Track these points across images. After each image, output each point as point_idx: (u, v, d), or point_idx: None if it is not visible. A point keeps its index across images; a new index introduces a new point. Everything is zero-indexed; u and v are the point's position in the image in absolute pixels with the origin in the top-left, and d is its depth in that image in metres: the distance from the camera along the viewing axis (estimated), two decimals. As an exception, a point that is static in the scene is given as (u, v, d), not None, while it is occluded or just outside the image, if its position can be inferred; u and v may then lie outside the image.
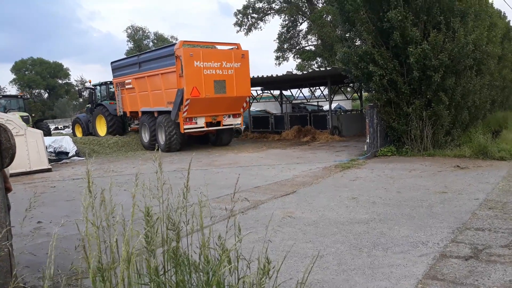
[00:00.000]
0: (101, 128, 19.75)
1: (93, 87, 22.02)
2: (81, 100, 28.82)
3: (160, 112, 15.77)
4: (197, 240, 2.54)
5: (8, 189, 3.49)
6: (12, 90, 62.02)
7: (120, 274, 1.87)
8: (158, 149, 2.90)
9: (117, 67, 18.61)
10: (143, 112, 16.91)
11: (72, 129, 22.87)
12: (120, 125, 19.16)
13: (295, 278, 3.87)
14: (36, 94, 61.12)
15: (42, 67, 61.16)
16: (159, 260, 2.28)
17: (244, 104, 16.25)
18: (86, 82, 27.46)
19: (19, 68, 60.89)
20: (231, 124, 16.15)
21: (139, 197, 2.46)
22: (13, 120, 11.56)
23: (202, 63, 14.45)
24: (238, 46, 15.96)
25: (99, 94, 21.34)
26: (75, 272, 4.15)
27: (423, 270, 3.95)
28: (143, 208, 2.39)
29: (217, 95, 14.82)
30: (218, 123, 15.69)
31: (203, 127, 15.34)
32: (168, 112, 15.14)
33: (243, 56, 15.63)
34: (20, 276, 3.95)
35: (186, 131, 14.98)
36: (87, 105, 22.56)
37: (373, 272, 3.96)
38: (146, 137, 16.61)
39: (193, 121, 14.99)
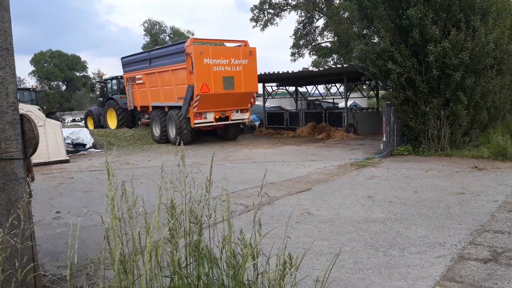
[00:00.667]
0: (112, 121, 20.19)
1: (104, 81, 22.48)
2: (97, 93, 29.32)
3: (171, 107, 16.15)
4: (217, 233, 2.56)
5: (31, 179, 3.55)
6: (31, 81, 63.00)
7: (144, 266, 1.89)
8: (180, 143, 2.92)
9: (128, 63, 18.96)
10: (154, 107, 17.26)
11: (84, 121, 23.33)
12: (130, 118, 19.60)
13: (311, 275, 3.87)
14: (54, 86, 62.00)
15: (60, 60, 61.98)
16: (181, 253, 2.30)
17: (252, 100, 16.63)
18: (104, 74, 27.89)
19: (38, 60, 61.79)
20: (239, 119, 16.65)
21: (163, 191, 2.48)
22: (33, 111, 11.74)
23: (211, 60, 14.87)
24: (246, 43, 16.37)
25: (110, 88, 21.74)
26: (94, 262, 4.23)
27: (440, 271, 3.91)
28: (165, 200, 2.42)
29: (226, 91, 15.25)
30: (227, 118, 16.13)
31: (212, 122, 15.77)
32: (179, 107, 15.50)
33: (251, 53, 16.05)
34: (41, 264, 4.04)
35: (196, 125, 15.40)
36: (99, 99, 23.06)
37: (389, 271, 3.94)
38: (157, 131, 16.98)
39: (203, 116, 15.45)
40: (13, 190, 2.89)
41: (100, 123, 21.10)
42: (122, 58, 19.36)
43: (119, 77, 21.02)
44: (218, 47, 15.62)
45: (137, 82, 18.05)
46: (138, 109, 18.72)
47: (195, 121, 15.27)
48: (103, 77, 23.18)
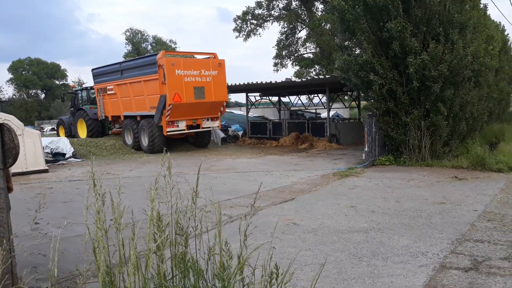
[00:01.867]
0: (82, 131, 20.63)
1: (75, 91, 23.06)
2: (68, 103, 29.37)
3: (143, 117, 16.84)
4: (203, 244, 2.53)
5: (9, 189, 3.46)
6: (9, 89, 61.80)
7: (129, 278, 1.85)
8: (166, 152, 2.90)
9: (99, 74, 19.48)
10: (126, 116, 17.89)
11: (56, 130, 23.32)
12: (99, 129, 20.07)
13: (296, 285, 3.86)
14: (32, 94, 60.89)
15: (39, 67, 61.05)
16: (167, 265, 2.26)
17: (222, 108, 17.50)
18: (83, 83, 28.15)
19: (16, 67, 60.70)
20: (210, 127, 17.52)
21: (145, 200, 2.45)
22: (11, 120, 11.48)
23: (182, 71, 15.60)
24: (215, 55, 17.19)
25: (80, 99, 22.32)
26: (74, 274, 4.12)
27: (423, 280, 3.94)
28: (149, 211, 2.38)
29: (197, 100, 16.04)
30: (198, 126, 16.96)
31: (184, 130, 16.52)
32: (151, 116, 16.25)
33: (220, 65, 16.89)
34: (20, 277, 3.92)
35: (168, 133, 16.06)
36: (70, 109, 23.47)
37: (373, 281, 3.96)
38: (129, 139, 17.65)
39: (175, 124, 16.15)
40: (-9, 201, 2.80)
41: (71, 133, 21.43)
42: (93, 69, 19.92)
43: (89, 87, 21.70)
44: (189, 59, 16.55)
45: (108, 92, 18.63)
46: (110, 119, 19.28)
47: (168, 129, 15.93)
48: (74, 88, 23.88)
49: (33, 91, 62.52)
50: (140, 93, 16.73)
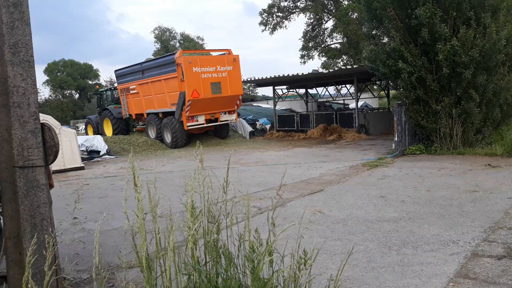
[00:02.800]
0: (108, 129, 21.63)
1: (100, 92, 24.40)
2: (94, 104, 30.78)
3: (165, 113, 17.80)
4: (233, 235, 2.64)
5: (50, 186, 3.67)
6: (46, 91, 64.03)
7: (168, 263, 1.98)
8: (200, 146, 3.06)
9: (121, 75, 20.55)
10: (148, 113, 18.87)
11: (85, 129, 24.69)
12: (124, 127, 21.14)
13: (325, 274, 3.92)
14: (67, 94, 62.93)
15: (73, 69, 62.95)
16: (200, 252, 2.38)
17: (238, 102, 18.23)
18: (115, 82, 29.30)
19: (51, 69, 62.82)
20: (227, 120, 18.34)
21: (177, 194, 2.57)
22: (48, 120, 11.99)
23: (199, 68, 16.42)
24: (229, 51, 18.03)
25: (105, 99, 23.50)
26: (112, 266, 4.34)
27: (454, 268, 3.93)
28: (182, 201, 2.51)
29: (214, 95, 16.79)
30: (216, 120, 17.81)
31: (203, 124, 17.34)
32: (172, 113, 17.13)
33: (235, 60, 17.65)
34: (62, 268, 4.16)
35: (189, 127, 16.93)
36: (97, 108, 24.79)
37: (403, 270, 3.97)
38: (152, 133, 18.64)
39: (195, 119, 17.02)
40: (35, 196, 3.01)
41: (99, 131, 22.33)
42: (116, 70, 20.97)
43: (113, 88, 22.89)
44: (205, 57, 17.47)
45: (131, 92, 19.62)
46: (133, 117, 20.31)
47: (188, 124, 16.81)
48: (99, 89, 25.32)
49: (68, 91, 64.58)
50: (161, 91, 17.61)
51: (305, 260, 2.11)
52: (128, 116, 20.51)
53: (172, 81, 16.83)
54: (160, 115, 18.04)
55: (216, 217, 2.44)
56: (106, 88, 24.42)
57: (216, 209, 2.54)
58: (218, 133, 19.09)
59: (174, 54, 17.01)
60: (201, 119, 17.15)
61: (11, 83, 2.87)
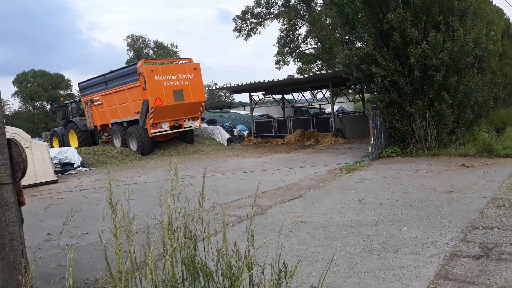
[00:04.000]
0: (73, 141, 21.79)
1: (65, 105, 24.55)
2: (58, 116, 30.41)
3: (129, 122, 18.20)
4: (211, 247, 2.57)
5: (21, 203, 3.52)
6: (15, 102, 62.23)
7: (146, 282, 1.90)
8: (170, 157, 2.96)
9: (85, 87, 21.05)
10: (113, 123, 19.22)
11: (50, 141, 24.32)
12: (89, 139, 21.38)
13: (307, 282, 3.89)
14: (38, 106, 61.36)
15: (43, 79, 61.38)
16: (178, 269, 2.31)
17: (201, 108, 18.70)
18: (62, 99, 29.86)
19: (21, 80, 61.09)
20: (191, 126, 18.79)
21: (154, 206, 2.49)
22: (18, 133, 11.62)
23: (161, 76, 16.95)
24: (190, 60, 18.69)
25: (70, 111, 23.61)
26: (89, 283, 4.19)
27: (434, 270, 3.95)
28: (158, 217, 2.43)
29: (177, 102, 17.28)
30: (180, 126, 18.25)
31: (167, 130, 17.75)
32: (136, 121, 17.57)
33: (196, 68, 18.25)
34: (35, 289, 3.98)
35: (153, 134, 17.33)
36: (62, 121, 24.87)
37: (384, 274, 3.97)
38: (117, 143, 19.05)
39: (159, 126, 17.44)
40: (3, 215, 2.86)
41: (64, 143, 22.22)
42: (79, 83, 21.44)
43: (78, 100, 23.16)
44: (167, 66, 18.17)
45: (95, 103, 20.05)
46: (99, 128, 20.59)
47: (152, 131, 17.24)
48: (64, 101, 25.57)
49: (39, 102, 62.95)
50: (125, 101, 18.04)
51: (285, 273, 2.06)
52: (93, 127, 20.90)
53: (135, 90, 17.30)
54: (125, 124, 18.49)
55: (192, 233, 2.37)
56: (71, 100, 24.92)
57: (193, 223, 2.47)
58: (183, 139, 19.49)
59: (136, 64, 17.53)
60: (165, 126, 17.62)
61: (-26, 97, 2.73)
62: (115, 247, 2.13)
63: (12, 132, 11.47)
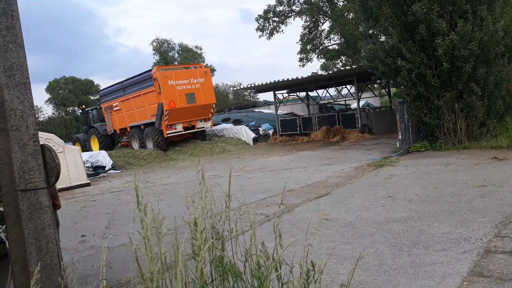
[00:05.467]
0: (95, 146, 23.18)
1: (86, 111, 26.09)
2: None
3: (146, 125, 19.43)
4: (240, 246, 2.60)
5: (57, 206, 3.65)
6: (48, 109, 64.26)
7: (178, 280, 1.95)
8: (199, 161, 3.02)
9: (104, 94, 22.92)
10: (131, 127, 20.60)
11: None
12: (109, 142, 22.87)
13: (336, 280, 3.87)
14: (70, 111, 63.20)
15: (74, 85, 63.22)
16: (206, 269, 2.35)
17: (212, 110, 19.92)
18: (83, 106, 31.45)
19: (53, 87, 63.13)
20: (203, 127, 20.01)
21: (183, 206, 2.54)
22: (52, 138, 12.03)
23: (174, 81, 18.21)
24: (201, 65, 20.85)
25: (91, 118, 25.04)
26: (122, 283, 4.31)
27: (467, 267, 3.86)
28: (186, 218, 2.48)
29: (189, 104, 18.53)
30: (193, 127, 19.50)
31: (181, 131, 18.97)
32: (152, 124, 18.80)
33: (206, 73, 19.71)
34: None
35: (168, 135, 18.57)
36: (84, 127, 26.62)
37: (415, 271, 3.91)
38: (136, 145, 20.34)
39: (173, 127, 18.67)
40: (39, 219, 2.98)
41: (87, 148, 23.44)
42: (99, 91, 23.23)
43: (99, 107, 24.63)
44: (179, 71, 19.35)
45: (114, 109, 21.55)
46: (118, 132, 22.07)
47: (167, 132, 18.46)
48: (85, 108, 27.22)
49: (71, 108, 64.83)
50: (141, 105, 19.43)
51: (314, 272, 2.06)
52: (112, 131, 22.29)
53: (150, 94, 18.62)
54: (142, 127, 19.74)
55: (220, 233, 2.40)
56: (91, 107, 26.50)
57: (220, 223, 2.50)
58: (196, 138, 20.58)
59: (150, 70, 18.74)
60: (179, 127, 18.82)
61: (8, 106, 2.85)
62: (146, 248, 2.19)
63: (46, 137, 11.88)
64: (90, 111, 25.46)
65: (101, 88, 23.06)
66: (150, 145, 19.17)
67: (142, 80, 19.16)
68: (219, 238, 2.37)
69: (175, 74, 18.52)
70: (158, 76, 17.87)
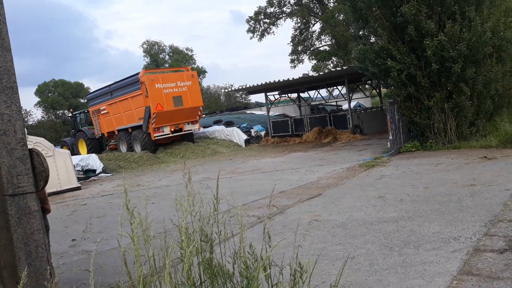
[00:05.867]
0: (83, 149, 23.36)
1: (74, 115, 26.34)
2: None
3: (133, 128, 19.60)
4: (229, 248, 2.60)
5: (47, 211, 3.62)
6: (38, 112, 63.65)
7: (166, 283, 1.95)
8: (185, 163, 3.01)
9: (92, 98, 23.10)
10: (119, 130, 20.75)
11: None
12: (97, 146, 22.91)
13: (328, 281, 3.88)
14: (60, 114, 62.68)
15: (64, 88, 62.66)
16: (195, 271, 2.34)
17: (199, 113, 20.12)
18: (71, 110, 31.88)
19: (42, 91, 62.52)
20: (191, 130, 20.11)
21: (174, 209, 2.54)
22: (41, 142, 11.92)
23: (161, 84, 18.35)
24: (188, 69, 20.58)
25: (79, 121, 25.23)
26: (112, 286, 4.28)
27: (457, 266, 3.90)
28: (176, 221, 2.48)
29: (176, 107, 18.66)
30: (181, 130, 19.55)
31: (169, 134, 19.09)
32: (140, 127, 18.98)
33: (193, 76, 19.86)
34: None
35: (156, 138, 18.69)
36: (72, 130, 26.74)
37: (406, 270, 3.94)
38: (123, 148, 20.53)
39: (161, 130, 18.76)
40: (28, 223, 2.96)
41: (74, 152, 23.39)
42: (87, 95, 23.50)
43: (86, 111, 24.74)
44: (166, 74, 19.40)
45: (102, 112, 21.71)
46: (106, 135, 22.19)
47: (155, 135, 18.59)
48: (73, 112, 27.55)
49: (61, 111, 64.28)
50: (129, 108, 19.57)
51: (300, 273, 2.07)
52: (100, 135, 22.49)
53: (138, 98, 18.76)
54: (130, 130, 19.89)
55: (209, 236, 2.40)
56: (79, 111, 26.72)
57: (209, 226, 2.50)
58: (184, 140, 20.66)
59: (138, 74, 18.79)
60: (167, 130, 18.97)
61: (-4, 111, 2.82)
62: (134, 252, 2.18)
63: (35, 141, 11.78)
64: (77, 115, 25.71)
65: (89, 92, 23.30)
66: (138, 148, 19.35)
67: (129, 84, 19.35)
68: (207, 240, 2.37)
69: (162, 78, 18.71)
70: (145, 80, 18.04)
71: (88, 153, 21.58)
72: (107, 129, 21.85)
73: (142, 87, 18.18)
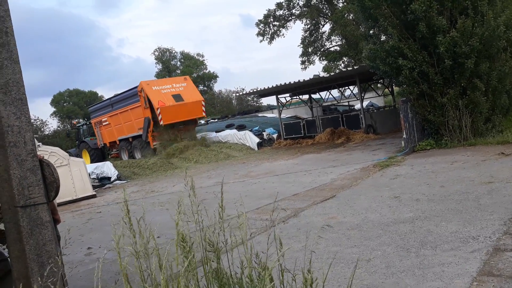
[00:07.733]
0: (86, 159, 24.15)
1: (77, 127, 28.04)
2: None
3: (134, 137, 21.08)
4: (238, 255, 2.56)
5: (57, 221, 3.64)
6: (53, 122, 64.63)
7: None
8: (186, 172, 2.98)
9: (94, 110, 24.70)
10: (120, 140, 22.20)
11: None
12: (100, 155, 24.31)
13: (343, 285, 3.81)
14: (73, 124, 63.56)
15: (78, 97, 63.62)
16: (203, 283, 2.31)
17: (203, 107, 21.08)
18: (75, 122, 33.32)
19: (57, 100, 63.57)
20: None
21: (184, 217, 2.52)
22: (57, 152, 12.08)
23: (158, 86, 19.92)
24: (183, 77, 22.09)
25: (82, 133, 26.70)
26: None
27: (476, 266, 3.79)
28: (183, 230, 2.45)
29: (178, 102, 19.77)
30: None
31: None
32: (140, 136, 20.38)
33: (186, 79, 21.72)
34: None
35: (155, 146, 19.88)
36: (76, 142, 28.38)
37: (423, 272, 3.84)
38: (125, 157, 21.96)
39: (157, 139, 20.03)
40: (40, 234, 2.97)
41: None
42: (88, 107, 25.53)
43: (88, 122, 26.21)
44: (160, 79, 21.76)
45: (103, 124, 23.21)
46: (108, 145, 23.68)
47: (154, 143, 19.90)
48: (76, 124, 29.50)
49: (76, 120, 65.16)
50: (129, 119, 20.97)
51: (311, 281, 2.01)
52: (102, 145, 23.93)
53: (137, 109, 20.11)
54: (130, 140, 21.31)
55: (214, 244, 2.36)
56: (82, 123, 28.29)
57: (214, 235, 2.46)
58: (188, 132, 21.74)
59: (136, 87, 20.09)
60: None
61: (5, 123, 2.84)
62: (136, 268, 2.16)
63: (51, 151, 11.94)
64: (80, 127, 27.43)
65: (91, 104, 24.92)
66: (138, 156, 20.71)
67: (129, 96, 20.63)
68: (214, 250, 2.32)
69: (157, 82, 20.55)
70: (143, 86, 19.28)
71: (91, 162, 22.68)
72: (109, 139, 23.23)
73: (141, 99, 19.50)
